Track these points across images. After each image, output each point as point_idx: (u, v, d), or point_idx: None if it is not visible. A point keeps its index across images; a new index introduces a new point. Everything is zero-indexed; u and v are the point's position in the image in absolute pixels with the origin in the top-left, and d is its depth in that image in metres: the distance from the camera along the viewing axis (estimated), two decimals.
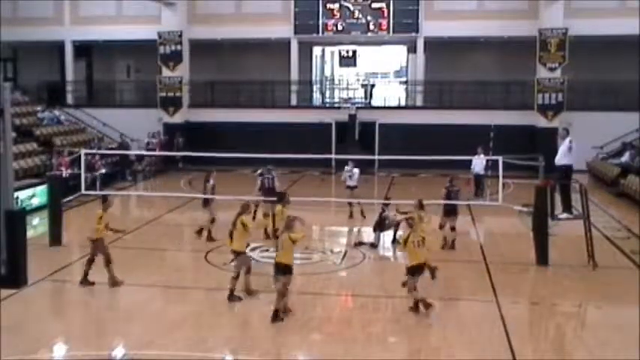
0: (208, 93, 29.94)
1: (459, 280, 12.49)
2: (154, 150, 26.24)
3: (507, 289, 11.99)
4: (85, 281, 11.74)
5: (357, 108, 27.96)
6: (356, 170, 17.92)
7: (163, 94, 28.55)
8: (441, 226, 14.72)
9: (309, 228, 14.97)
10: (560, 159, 14.25)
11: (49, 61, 31.17)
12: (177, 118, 28.56)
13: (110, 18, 28.87)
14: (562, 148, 14.48)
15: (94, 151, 22.14)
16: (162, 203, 20.27)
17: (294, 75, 28.86)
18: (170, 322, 10.06)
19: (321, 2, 27.99)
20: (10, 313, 10.08)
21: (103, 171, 21.48)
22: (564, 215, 14.21)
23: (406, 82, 30.55)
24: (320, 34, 28.26)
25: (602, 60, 26.01)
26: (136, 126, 27.16)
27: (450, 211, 14.64)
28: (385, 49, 33.07)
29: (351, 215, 18.03)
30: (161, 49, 28.28)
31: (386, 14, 27.69)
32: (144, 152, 25.65)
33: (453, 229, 14.64)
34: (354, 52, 30.14)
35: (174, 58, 28.35)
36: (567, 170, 14.20)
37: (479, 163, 20.35)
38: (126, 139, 27.03)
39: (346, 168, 18.07)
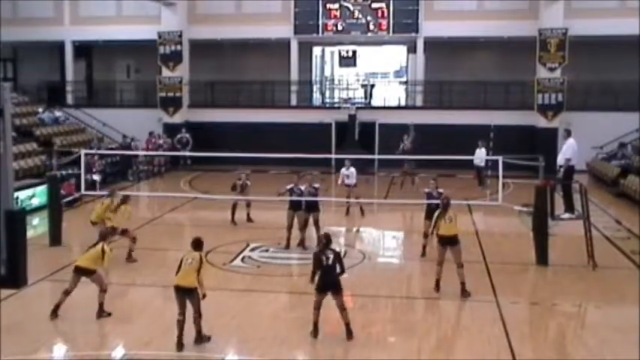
0: (208, 93, 29.92)
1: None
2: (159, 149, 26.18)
3: (507, 289, 12.00)
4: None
5: (357, 108, 27.92)
6: (352, 170, 18.28)
7: (163, 94, 28.53)
8: (426, 234, 13.91)
9: (308, 228, 14.97)
10: (562, 159, 14.27)
11: (49, 61, 31.14)
12: (177, 118, 28.54)
13: (110, 18, 28.84)
14: (564, 148, 14.50)
15: (93, 151, 22.15)
16: (162, 203, 20.28)
17: (294, 75, 28.83)
18: (170, 322, 10.03)
19: (321, 2, 27.97)
20: (10, 313, 10.09)
21: (97, 178, 21.29)
22: (566, 215, 14.23)
23: (406, 82, 30.53)
24: (320, 34, 28.24)
25: (602, 60, 26.00)
26: (136, 126, 27.14)
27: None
28: (385, 49, 33.06)
29: (347, 212, 18.60)
30: (161, 49, 28.26)
31: (386, 14, 27.66)
32: (145, 152, 25.60)
33: None
34: (354, 52, 30.12)
35: (174, 58, 28.34)
36: (569, 169, 14.22)
37: (480, 155, 21.13)
38: (127, 140, 27.04)
39: (343, 170, 18.45)
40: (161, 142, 26.78)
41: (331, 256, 9.54)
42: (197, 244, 9.81)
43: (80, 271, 10.45)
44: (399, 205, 19.40)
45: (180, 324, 9.34)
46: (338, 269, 9.59)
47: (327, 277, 9.53)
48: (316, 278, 9.68)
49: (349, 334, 9.56)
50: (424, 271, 13.63)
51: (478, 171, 22.46)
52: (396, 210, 19.63)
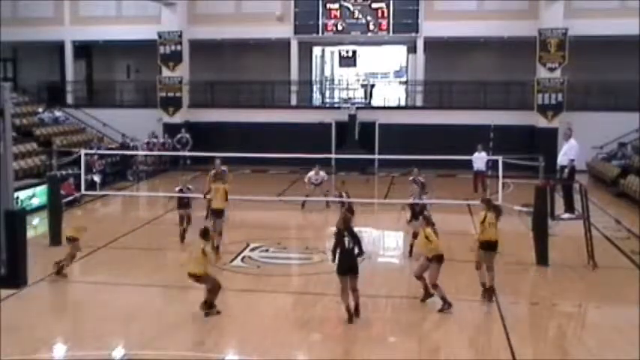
0: (208, 93, 29.89)
1: (459, 280, 12.48)
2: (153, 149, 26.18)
3: (507, 289, 11.98)
4: None
5: (357, 108, 27.90)
6: (322, 174, 19.52)
7: (163, 94, 28.53)
8: (415, 235, 13.67)
9: (308, 228, 14.98)
10: (565, 159, 14.25)
11: (49, 61, 31.16)
12: (177, 118, 28.53)
13: (110, 18, 28.85)
14: (565, 148, 14.49)
15: (93, 151, 22.14)
16: (162, 203, 20.26)
17: (294, 75, 28.82)
18: (170, 322, 10.06)
19: (321, 2, 27.96)
20: (10, 313, 10.09)
21: (97, 179, 21.24)
22: (566, 215, 14.22)
23: (406, 82, 30.53)
24: (320, 34, 28.22)
25: (602, 60, 25.96)
26: (136, 126, 27.14)
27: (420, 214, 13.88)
28: (385, 49, 33.05)
29: (303, 205, 19.10)
30: (161, 49, 28.26)
31: (386, 14, 27.64)
32: (146, 152, 25.56)
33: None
34: (354, 52, 30.12)
35: (174, 58, 28.33)
36: (571, 170, 14.21)
37: (479, 159, 20.96)
38: (127, 140, 27.02)
39: (311, 174, 19.35)
40: (162, 141, 26.80)
41: (350, 238, 10.20)
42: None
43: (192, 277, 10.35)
44: (398, 205, 19.37)
45: None
46: (356, 251, 10.28)
47: (348, 260, 10.19)
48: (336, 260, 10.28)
49: (357, 313, 10.16)
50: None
51: (476, 175, 21.65)
52: (396, 210, 19.60)
